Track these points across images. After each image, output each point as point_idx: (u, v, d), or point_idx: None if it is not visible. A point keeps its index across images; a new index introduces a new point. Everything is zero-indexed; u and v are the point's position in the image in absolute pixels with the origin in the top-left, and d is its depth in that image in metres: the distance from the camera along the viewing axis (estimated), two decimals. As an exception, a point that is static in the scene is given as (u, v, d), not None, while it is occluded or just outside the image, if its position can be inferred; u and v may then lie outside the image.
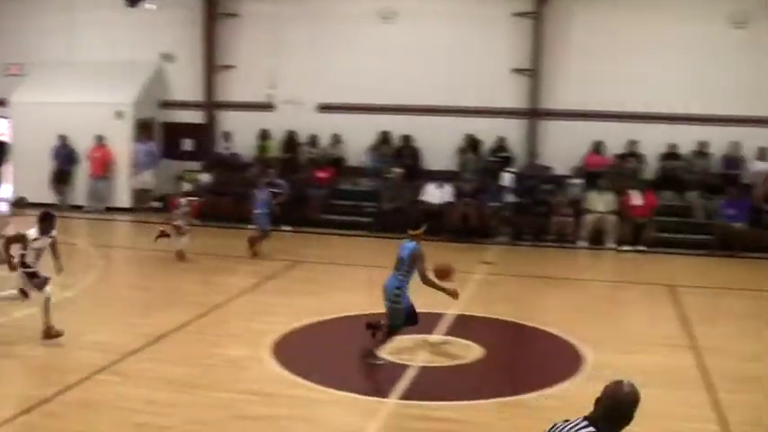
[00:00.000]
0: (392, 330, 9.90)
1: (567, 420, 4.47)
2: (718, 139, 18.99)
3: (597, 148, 19.39)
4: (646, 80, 19.24)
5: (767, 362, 9.48)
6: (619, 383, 4.42)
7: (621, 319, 13.18)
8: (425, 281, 9.83)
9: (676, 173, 19.15)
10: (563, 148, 19.44)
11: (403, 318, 9.86)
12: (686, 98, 19.04)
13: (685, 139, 19.14)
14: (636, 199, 18.17)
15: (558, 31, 19.62)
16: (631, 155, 19.29)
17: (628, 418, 4.36)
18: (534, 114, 19.99)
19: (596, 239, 18.11)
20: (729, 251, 17.38)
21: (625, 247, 17.76)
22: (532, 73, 19.80)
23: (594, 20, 19.42)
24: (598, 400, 4.40)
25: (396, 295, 9.75)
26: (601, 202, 18.24)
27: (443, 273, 10.18)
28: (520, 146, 20.07)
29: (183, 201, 15.95)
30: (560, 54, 19.67)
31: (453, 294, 10.15)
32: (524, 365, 10.68)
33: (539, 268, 16.14)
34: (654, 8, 19.09)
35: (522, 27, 19.79)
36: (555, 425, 4.51)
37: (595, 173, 18.91)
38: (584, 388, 8.66)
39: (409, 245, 9.87)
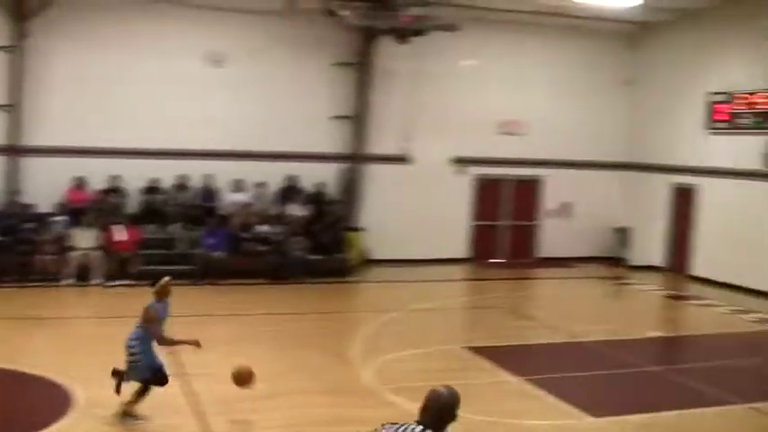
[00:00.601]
0: (144, 387, 9.43)
1: (394, 423, 4.96)
2: (197, 172, 20.06)
3: (79, 183, 19.16)
4: (127, 116, 19.46)
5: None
6: (436, 391, 4.96)
7: (109, 354, 13.18)
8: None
9: (158, 206, 19.65)
10: (46, 185, 18.89)
11: (146, 374, 9.35)
12: (167, 132, 19.68)
13: (167, 172, 19.79)
14: (120, 233, 18.31)
15: (38, 66, 18.96)
16: (114, 190, 19.39)
17: (454, 416, 4.94)
18: (14, 151, 19.11)
19: (82, 276, 17.90)
20: (211, 279, 18.33)
21: (111, 282, 17.81)
22: (11, 108, 18.91)
23: (78, 56, 19.11)
24: (425, 408, 4.93)
25: (131, 347, 9.34)
26: (85, 238, 18.09)
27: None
28: (-1, 184, 19.19)
29: None
30: (42, 90, 19.05)
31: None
32: (9, 412, 10.06)
33: (23, 309, 15.56)
34: (124, 45, 19.47)
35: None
36: (383, 425, 5.00)
37: (78, 209, 18.66)
38: (77, 428, 8.63)
39: None
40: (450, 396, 4.98)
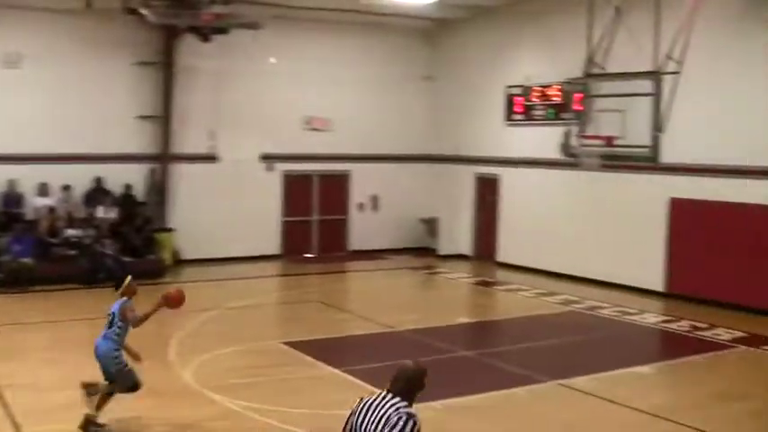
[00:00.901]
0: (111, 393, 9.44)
1: (371, 395, 5.51)
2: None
3: None
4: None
5: (72, 390, 9.81)
6: (403, 365, 5.55)
7: None
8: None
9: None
10: None
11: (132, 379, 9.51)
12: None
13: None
14: None
15: None
16: None
17: (423, 385, 5.56)
18: None
19: None
20: (21, 287, 17.70)
21: None
22: None
23: None
24: (395, 380, 5.49)
25: (115, 357, 9.39)
26: None
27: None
28: None
29: None
30: None
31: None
32: None
33: None
34: None
35: None
36: (362, 399, 5.55)
37: None
38: None
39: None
40: (416, 367, 5.57)
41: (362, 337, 14.91)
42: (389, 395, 5.47)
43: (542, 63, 21.47)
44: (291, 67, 23.00)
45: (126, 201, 20.81)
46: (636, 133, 15.38)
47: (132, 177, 21.18)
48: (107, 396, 9.55)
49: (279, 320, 17.03)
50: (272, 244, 23.43)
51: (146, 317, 9.64)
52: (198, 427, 9.89)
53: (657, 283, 18.30)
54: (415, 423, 5.32)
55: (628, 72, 15.51)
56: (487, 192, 23.56)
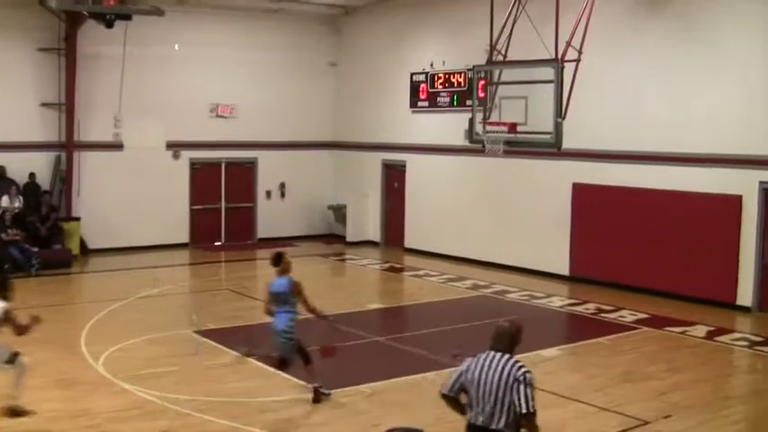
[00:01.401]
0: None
1: (478, 356, 6.44)
2: None
3: None
4: None
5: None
6: (502, 326, 6.53)
7: None
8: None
9: None
10: None
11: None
12: None
13: None
14: None
15: None
16: None
17: (521, 340, 6.51)
18: None
19: None
20: None
21: None
22: None
23: None
24: (499, 339, 6.46)
25: (289, 329, 10.13)
26: None
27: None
28: None
29: None
30: None
31: None
32: None
33: None
34: None
35: None
36: (469, 359, 6.48)
37: None
38: None
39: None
40: (514, 326, 6.56)
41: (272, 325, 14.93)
42: (498, 353, 6.43)
43: (446, 50, 21.76)
44: (196, 54, 22.85)
45: (30, 190, 20.38)
46: (539, 120, 15.78)
47: (36, 166, 20.79)
48: (310, 364, 10.39)
49: (189, 309, 16.93)
50: (181, 232, 23.28)
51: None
52: (111, 418, 9.85)
53: (563, 268, 18.80)
54: (530, 372, 6.30)
55: (530, 60, 15.89)
56: (395, 178, 23.82)
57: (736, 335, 14.37)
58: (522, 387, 6.21)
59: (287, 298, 10.24)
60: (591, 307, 16.21)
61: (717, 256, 16.20)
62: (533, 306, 16.56)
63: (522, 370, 6.26)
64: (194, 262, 21.90)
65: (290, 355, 10.32)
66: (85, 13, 19.11)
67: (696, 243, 16.50)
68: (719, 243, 16.17)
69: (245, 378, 11.46)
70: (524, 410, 6.18)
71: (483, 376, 6.32)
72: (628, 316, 15.59)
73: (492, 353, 6.44)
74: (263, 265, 21.90)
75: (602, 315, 15.77)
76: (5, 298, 9.57)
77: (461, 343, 13.63)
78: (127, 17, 19.40)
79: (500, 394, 6.23)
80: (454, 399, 6.59)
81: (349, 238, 24.35)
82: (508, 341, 6.49)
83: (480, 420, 6.31)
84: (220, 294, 17.85)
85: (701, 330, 14.55)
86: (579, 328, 15.38)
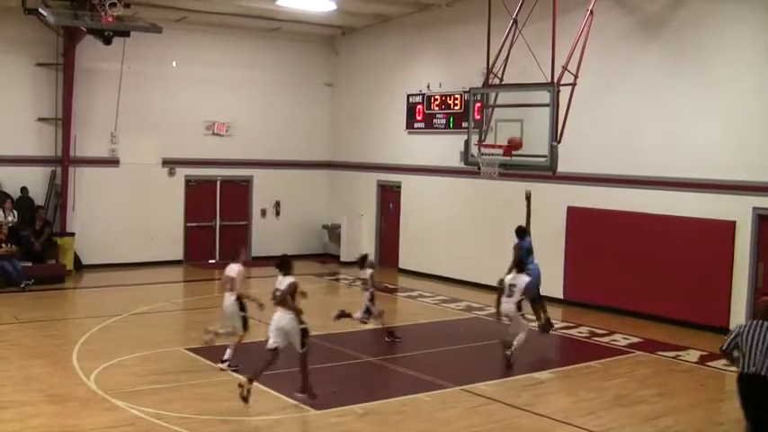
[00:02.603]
0: None
1: (748, 323, 8.82)
2: None
3: None
4: None
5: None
6: (764, 300, 9.20)
7: None
8: None
9: None
10: None
11: None
12: None
13: None
14: None
15: None
16: None
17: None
18: None
19: None
20: None
21: None
22: None
23: None
24: (765, 312, 8.80)
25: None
26: None
27: None
28: None
29: None
30: None
31: None
32: None
33: None
34: None
35: None
36: (742, 326, 8.84)
37: None
38: None
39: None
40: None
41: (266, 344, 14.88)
42: (765, 322, 8.62)
43: (443, 72, 21.86)
44: (193, 72, 22.94)
45: (24, 204, 20.36)
46: (534, 143, 15.79)
47: (31, 180, 20.81)
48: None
49: (182, 327, 16.93)
50: (175, 249, 23.26)
51: None
52: (103, 435, 9.83)
53: (557, 291, 18.79)
54: None
55: (526, 83, 15.95)
56: (390, 199, 23.85)
57: (729, 360, 14.35)
58: None
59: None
60: (584, 330, 16.21)
61: (710, 281, 16.23)
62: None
63: None
64: (189, 279, 21.85)
65: None
66: (84, 29, 19.13)
67: (690, 268, 16.53)
68: (713, 268, 16.21)
69: (236, 396, 11.40)
70: None
71: (755, 337, 8.55)
72: (621, 340, 15.60)
73: (760, 321, 8.68)
74: (257, 283, 21.96)
75: (596, 338, 15.77)
76: (290, 274, 11.33)
77: (452, 364, 13.74)
78: (125, 34, 19.42)
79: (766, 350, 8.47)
80: (729, 354, 8.84)
81: (343, 258, 24.32)
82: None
83: (752, 370, 8.51)
84: (214, 312, 17.76)
85: (693, 355, 14.55)
86: (572, 352, 15.36)
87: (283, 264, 11.51)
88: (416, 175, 22.67)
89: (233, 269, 12.93)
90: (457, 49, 21.12)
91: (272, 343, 10.89)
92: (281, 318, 10.94)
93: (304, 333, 10.90)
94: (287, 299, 11.00)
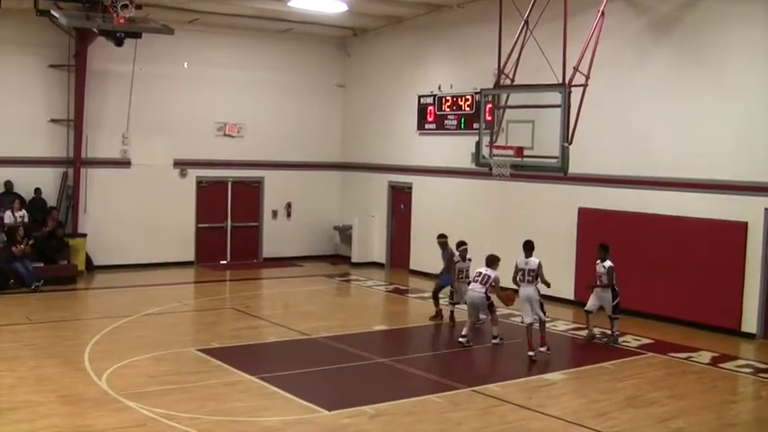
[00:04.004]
0: None
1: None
2: None
3: None
4: None
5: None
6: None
7: None
8: None
9: None
10: None
11: None
12: None
13: None
14: None
15: None
16: None
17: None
18: None
19: None
20: None
21: None
22: None
23: None
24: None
25: None
26: None
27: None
28: None
29: None
30: None
31: None
32: None
33: None
34: None
35: None
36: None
37: None
38: None
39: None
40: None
41: (278, 345, 14.96)
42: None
43: (454, 73, 21.85)
44: (205, 73, 22.98)
45: (36, 205, 20.45)
46: (545, 144, 15.78)
47: (44, 181, 20.91)
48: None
49: (194, 327, 16.95)
50: (186, 251, 23.31)
51: None
52: (114, 435, 9.86)
53: (569, 292, 18.73)
54: None
55: (537, 84, 15.93)
56: (401, 200, 23.86)
57: (741, 361, 14.32)
58: None
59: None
60: (595, 332, 16.16)
61: (722, 282, 16.17)
62: (537, 330, 16.46)
63: None
64: (199, 280, 21.91)
65: None
66: (96, 30, 19.18)
67: (701, 269, 16.48)
68: (725, 269, 16.15)
69: (248, 397, 11.45)
70: None
71: None
72: (632, 341, 15.55)
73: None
74: (268, 284, 22.08)
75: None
76: (495, 269, 14.44)
77: (464, 366, 13.72)
78: (137, 35, 19.44)
79: None
80: None
81: (354, 259, 24.35)
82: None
83: None
84: (226, 313, 17.85)
85: (705, 356, 14.51)
86: (583, 353, 15.32)
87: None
88: (427, 177, 22.66)
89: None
90: (468, 50, 21.11)
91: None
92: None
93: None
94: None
